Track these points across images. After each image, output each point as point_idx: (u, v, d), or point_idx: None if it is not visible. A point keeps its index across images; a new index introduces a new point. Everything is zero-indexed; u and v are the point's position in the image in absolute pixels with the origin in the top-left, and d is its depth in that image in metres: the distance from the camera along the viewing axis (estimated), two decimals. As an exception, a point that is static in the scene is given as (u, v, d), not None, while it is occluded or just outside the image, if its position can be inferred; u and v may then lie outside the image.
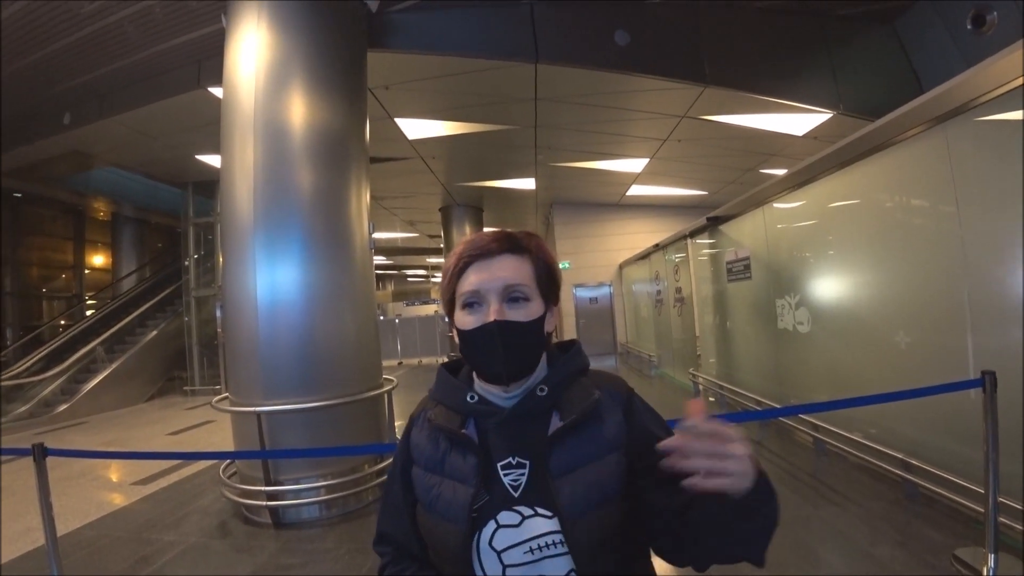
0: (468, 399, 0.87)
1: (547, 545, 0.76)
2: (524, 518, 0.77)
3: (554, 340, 0.93)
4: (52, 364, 9.78)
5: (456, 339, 0.86)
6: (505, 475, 0.81)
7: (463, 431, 0.85)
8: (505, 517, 0.78)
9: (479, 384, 0.88)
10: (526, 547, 0.76)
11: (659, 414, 0.89)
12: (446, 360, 0.96)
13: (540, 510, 0.78)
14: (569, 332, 13.00)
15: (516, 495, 0.79)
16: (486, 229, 0.93)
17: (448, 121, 7.35)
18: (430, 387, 0.94)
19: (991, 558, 2.28)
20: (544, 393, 0.84)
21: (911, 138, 3.18)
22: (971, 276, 2.84)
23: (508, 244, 0.84)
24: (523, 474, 0.80)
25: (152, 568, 3.10)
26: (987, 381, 2.25)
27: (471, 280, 0.82)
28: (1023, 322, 2.54)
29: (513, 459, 0.82)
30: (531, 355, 0.84)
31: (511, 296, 0.82)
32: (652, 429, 0.84)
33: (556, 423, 0.83)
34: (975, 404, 2.43)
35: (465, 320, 0.83)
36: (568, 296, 13.16)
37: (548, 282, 0.87)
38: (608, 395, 0.86)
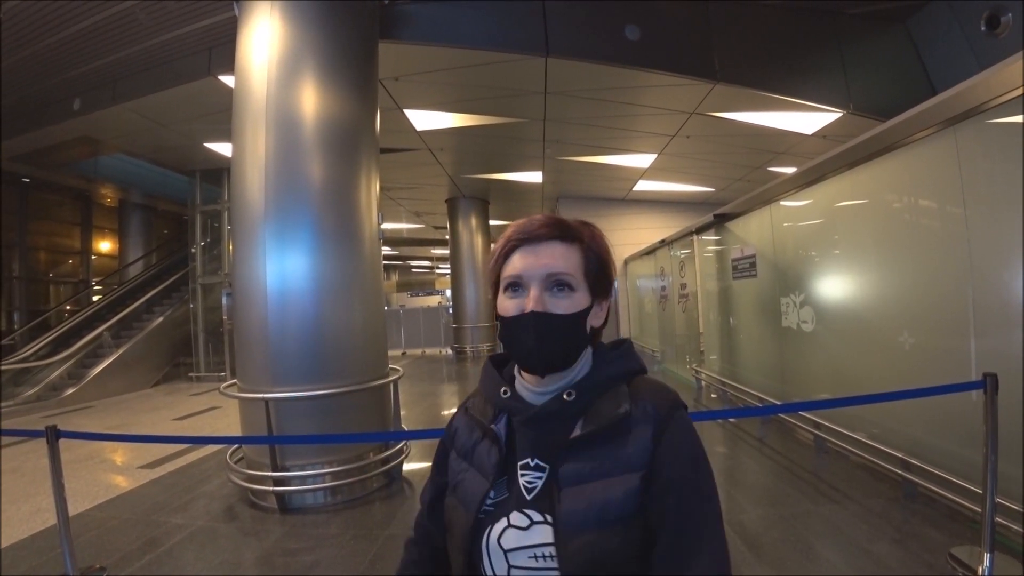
0: (501, 393, 0.86)
1: (551, 555, 0.74)
2: (533, 523, 0.76)
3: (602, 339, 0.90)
4: (59, 349, 9.87)
5: (497, 322, 0.84)
6: (523, 475, 0.80)
7: (492, 426, 0.85)
8: (516, 518, 0.77)
9: (519, 380, 0.87)
10: (531, 552, 0.74)
11: (698, 447, 0.78)
12: (493, 353, 0.94)
13: (549, 518, 0.75)
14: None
15: (529, 498, 0.78)
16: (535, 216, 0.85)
17: (457, 113, 7.35)
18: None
19: (987, 557, 2.30)
20: (571, 398, 0.80)
21: (920, 139, 3.18)
22: (976, 278, 2.85)
23: (558, 230, 0.82)
24: (540, 477, 0.79)
25: (161, 549, 3.16)
26: (988, 383, 2.27)
27: (515, 264, 0.81)
28: (1027, 325, 2.56)
29: (532, 460, 0.80)
30: (568, 349, 0.80)
31: (554, 284, 0.79)
32: (676, 467, 0.75)
33: (578, 431, 0.79)
34: (976, 406, 2.45)
35: (506, 305, 0.81)
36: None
37: (598, 274, 0.83)
38: (643, 410, 0.78)
